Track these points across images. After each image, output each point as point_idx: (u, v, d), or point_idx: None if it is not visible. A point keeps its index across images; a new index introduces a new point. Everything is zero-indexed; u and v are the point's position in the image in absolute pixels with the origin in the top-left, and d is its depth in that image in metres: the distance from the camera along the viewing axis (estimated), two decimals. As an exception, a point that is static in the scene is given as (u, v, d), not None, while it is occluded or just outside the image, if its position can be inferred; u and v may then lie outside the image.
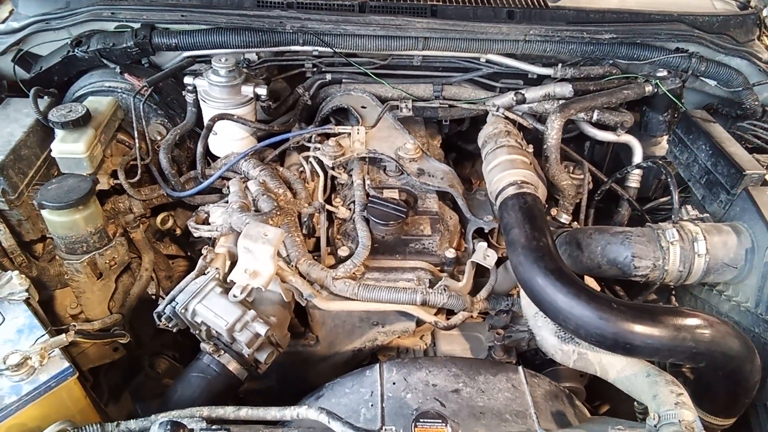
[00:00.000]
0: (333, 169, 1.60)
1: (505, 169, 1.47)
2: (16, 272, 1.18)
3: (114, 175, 1.61)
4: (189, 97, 1.70)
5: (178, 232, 1.64)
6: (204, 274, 1.34)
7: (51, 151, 1.49)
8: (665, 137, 1.89)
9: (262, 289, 1.26)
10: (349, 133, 1.66)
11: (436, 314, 1.47)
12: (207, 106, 1.68)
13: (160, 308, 1.30)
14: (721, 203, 1.53)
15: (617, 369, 1.23)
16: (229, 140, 1.70)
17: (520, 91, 1.81)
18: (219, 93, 1.64)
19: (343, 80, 1.91)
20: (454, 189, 1.57)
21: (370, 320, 1.51)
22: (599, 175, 1.81)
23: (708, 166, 1.60)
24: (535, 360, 1.55)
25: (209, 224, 1.50)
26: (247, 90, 1.66)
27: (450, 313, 1.51)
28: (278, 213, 1.40)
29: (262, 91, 1.66)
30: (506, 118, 1.73)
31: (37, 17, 1.72)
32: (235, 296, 1.23)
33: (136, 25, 1.74)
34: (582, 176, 1.75)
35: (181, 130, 1.68)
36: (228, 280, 1.27)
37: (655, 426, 1.05)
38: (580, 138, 1.95)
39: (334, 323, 1.52)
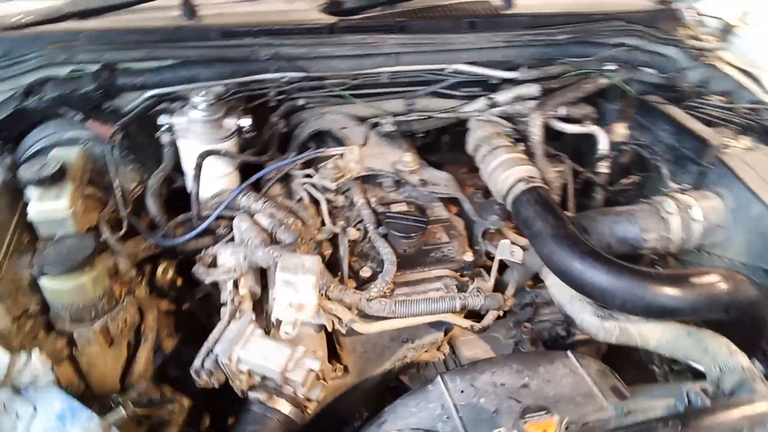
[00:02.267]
0: (336, 192, 1.57)
1: (509, 168, 1.52)
2: (36, 350, 1.03)
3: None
4: (165, 137, 1.59)
5: (179, 282, 1.52)
6: (235, 318, 1.25)
7: (26, 214, 1.33)
8: (621, 125, 2.03)
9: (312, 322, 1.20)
10: (342, 154, 1.64)
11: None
12: (187, 144, 1.58)
13: (197, 364, 1.20)
14: (692, 175, 1.68)
15: (657, 336, 1.30)
16: (215, 177, 1.62)
17: (491, 96, 1.88)
18: (201, 128, 1.56)
19: (314, 104, 1.88)
20: (460, 194, 1.59)
21: (400, 338, 1.48)
22: (576, 167, 1.92)
23: (673, 143, 1.75)
24: (555, 347, 1.61)
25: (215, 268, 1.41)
26: (230, 123, 1.59)
27: (471, 315, 1.52)
28: (302, 242, 1.34)
29: (247, 122, 1.60)
30: (490, 120, 1.79)
31: (-26, 69, 1.55)
32: (287, 333, 1.16)
33: (94, 67, 1.61)
34: (561, 169, 1.85)
35: (164, 173, 1.57)
36: (274, 320, 1.20)
37: (718, 378, 1.12)
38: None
39: (364, 348, 1.48)
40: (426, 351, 1.56)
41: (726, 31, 2.10)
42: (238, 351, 1.17)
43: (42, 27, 1.65)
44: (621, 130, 1.99)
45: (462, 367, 1.32)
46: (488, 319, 1.46)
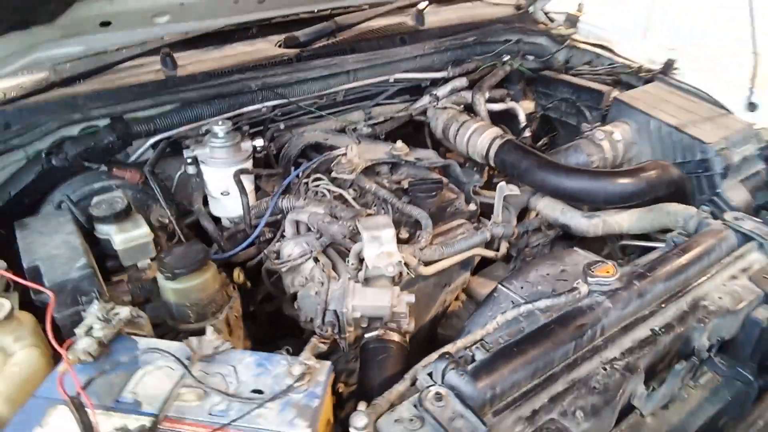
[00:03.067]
0: (351, 185, 1.83)
1: (483, 132, 1.94)
2: (209, 328, 1.18)
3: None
4: (190, 169, 1.76)
5: (248, 285, 1.67)
6: (333, 280, 1.48)
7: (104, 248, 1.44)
8: (527, 100, 2.57)
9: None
10: (345, 153, 1.92)
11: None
12: (213, 170, 1.76)
13: (317, 323, 1.40)
14: (594, 118, 2.24)
15: (629, 219, 1.77)
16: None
17: (433, 92, 2.30)
18: (225, 153, 1.75)
19: (292, 126, 2.14)
20: (451, 161, 1.96)
21: (441, 283, 1.79)
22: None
23: (573, 99, 2.31)
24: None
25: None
26: (247, 145, 1.80)
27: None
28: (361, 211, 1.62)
29: (259, 142, 1.82)
30: (445, 107, 2.20)
31: (-11, 143, 1.59)
32: (393, 274, 1.42)
33: (105, 121, 1.74)
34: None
35: (201, 197, 1.73)
36: (371, 266, 1.45)
37: (686, 227, 1.60)
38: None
39: (417, 297, 1.75)
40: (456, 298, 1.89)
41: (572, 20, 2.77)
42: (351, 301, 1.40)
43: (31, 98, 1.74)
44: (528, 104, 2.53)
45: (512, 272, 1.66)
46: (503, 247, 1.83)
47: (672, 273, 1.38)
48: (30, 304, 1.28)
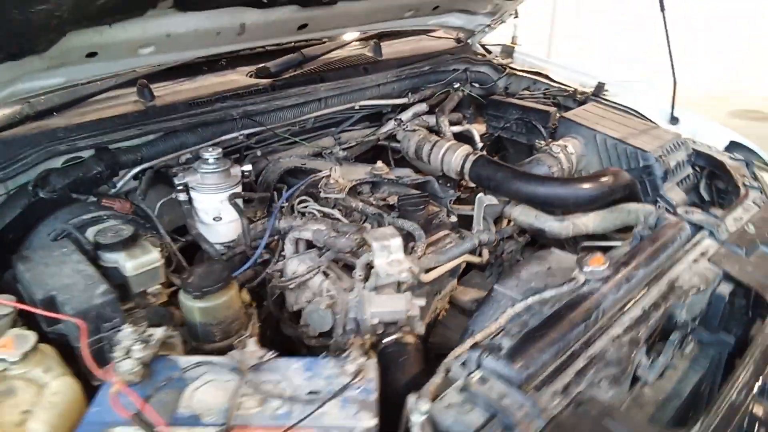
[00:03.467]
0: (335, 205, 1.90)
1: (456, 150, 2.09)
2: (251, 339, 1.20)
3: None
4: (182, 196, 1.75)
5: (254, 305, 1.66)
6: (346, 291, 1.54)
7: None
8: (478, 123, 2.77)
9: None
10: (329, 175, 1.99)
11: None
12: (205, 196, 1.77)
13: (338, 332, 1.45)
14: (542, 136, 2.47)
15: (594, 221, 1.97)
16: (237, 221, 1.82)
17: (397, 117, 2.44)
18: (216, 179, 1.77)
19: (267, 152, 2.19)
20: (430, 177, 2.09)
21: (433, 291, 1.88)
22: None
23: (523, 120, 2.54)
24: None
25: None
26: (236, 171, 1.83)
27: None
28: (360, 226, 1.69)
29: (247, 167, 1.86)
30: (414, 130, 2.33)
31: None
32: (408, 279, 1.50)
33: (89, 152, 1.70)
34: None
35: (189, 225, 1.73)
36: (384, 274, 1.52)
37: (647, 223, 1.81)
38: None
39: (411, 307, 1.83)
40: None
41: (507, 51, 3.05)
42: (370, 309, 1.46)
43: (7, 132, 1.69)
44: (480, 126, 2.73)
45: (504, 273, 1.78)
46: (485, 253, 1.96)
47: (648, 260, 1.57)
48: (43, 336, 1.23)
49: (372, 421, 1.06)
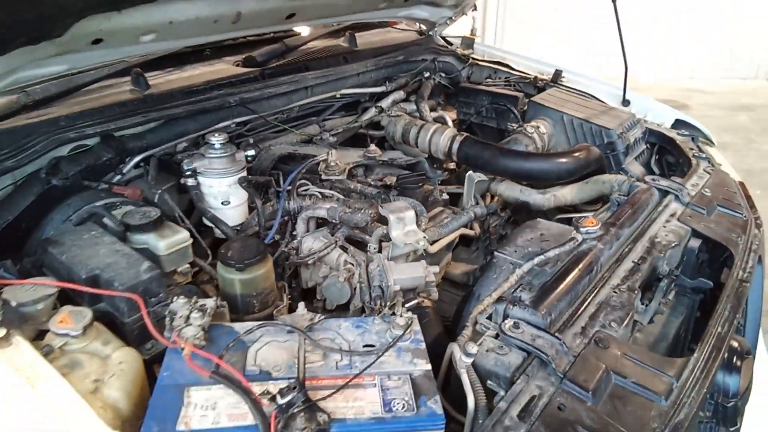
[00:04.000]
0: (332, 186, 1.98)
1: (442, 132, 2.22)
2: (301, 304, 1.27)
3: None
4: (190, 182, 1.78)
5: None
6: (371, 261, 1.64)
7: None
8: (449, 110, 2.91)
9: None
10: (326, 158, 2.07)
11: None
12: (213, 180, 1.80)
13: (366, 297, 1.54)
14: (515, 118, 2.65)
15: (572, 193, 2.16)
16: (245, 204, 1.87)
17: (378, 104, 2.54)
18: (223, 163, 1.80)
19: (256, 140, 2.23)
20: (421, 158, 2.20)
21: (433, 264, 2.00)
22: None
23: (492, 105, 2.71)
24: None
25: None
26: (240, 155, 1.88)
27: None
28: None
29: (251, 152, 1.91)
30: (398, 115, 2.44)
31: (-20, 167, 1.49)
32: (426, 252, 1.61)
33: (94, 140, 1.70)
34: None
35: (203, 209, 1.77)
36: (402, 244, 1.62)
37: (621, 190, 2.02)
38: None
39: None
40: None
41: (467, 43, 3.22)
42: (392, 277, 1.57)
43: (7, 121, 1.66)
44: (452, 113, 2.88)
45: (501, 241, 1.93)
46: (476, 227, 2.10)
47: (630, 220, 1.76)
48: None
49: (427, 365, 1.17)
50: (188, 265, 1.51)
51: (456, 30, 3.29)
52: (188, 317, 1.18)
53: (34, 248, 1.45)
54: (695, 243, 1.81)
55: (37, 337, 1.19)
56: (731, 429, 1.55)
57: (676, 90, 8.25)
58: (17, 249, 1.52)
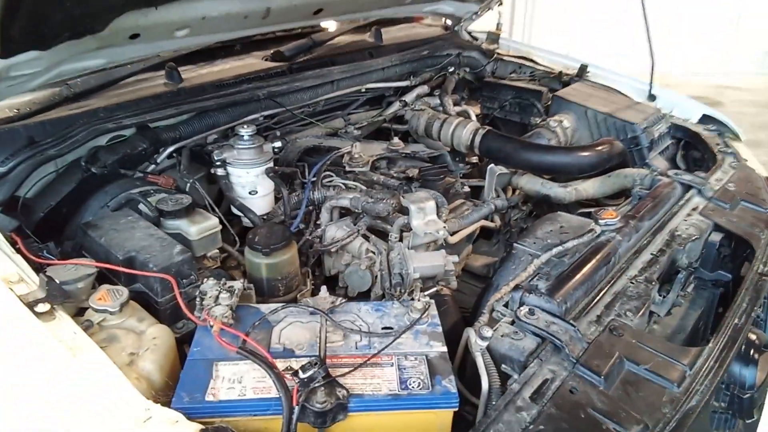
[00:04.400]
0: (358, 177, 2.03)
1: (465, 126, 2.25)
2: (323, 288, 1.33)
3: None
4: (220, 172, 1.86)
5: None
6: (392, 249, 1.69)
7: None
8: (473, 104, 2.94)
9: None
10: (350, 151, 2.12)
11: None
12: (241, 170, 1.87)
13: (386, 284, 1.59)
14: (538, 113, 2.66)
15: (594, 186, 2.17)
16: (271, 194, 1.93)
17: (402, 99, 2.59)
18: (252, 154, 1.87)
19: (283, 132, 2.30)
20: (443, 150, 2.24)
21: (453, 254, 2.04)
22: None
23: (515, 100, 2.73)
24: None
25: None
26: (268, 147, 1.94)
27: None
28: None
29: (278, 144, 1.97)
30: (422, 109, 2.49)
31: (27, 154, 1.58)
32: (446, 242, 1.65)
33: (131, 131, 1.79)
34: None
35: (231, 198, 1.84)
36: (423, 233, 1.67)
37: (643, 184, 2.02)
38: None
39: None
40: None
41: (493, 38, 3.23)
42: (411, 265, 1.61)
43: (51, 113, 1.76)
44: (475, 108, 2.90)
45: (521, 233, 1.96)
46: (497, 219, 2.13)
47: (651, 213, 1.77)
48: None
49: (443, 347, 1.22)
50: (217, 251, 1.58)
51: (482, 25, 3.32)
52: (217, 297, 1.25)
53: (74, 232, 1.54)
54: (716, 237, 1.81)
55: (78, 313, 1.27)
56: (748, 421, 1.56)
57: (708, 87, 8.08)
58: (59, 232, 1.62)
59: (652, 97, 2.75)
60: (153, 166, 1.85)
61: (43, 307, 1.13)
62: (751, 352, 1.55)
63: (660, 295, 1.59)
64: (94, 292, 1.25)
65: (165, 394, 1.11)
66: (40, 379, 1.02)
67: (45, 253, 1.39)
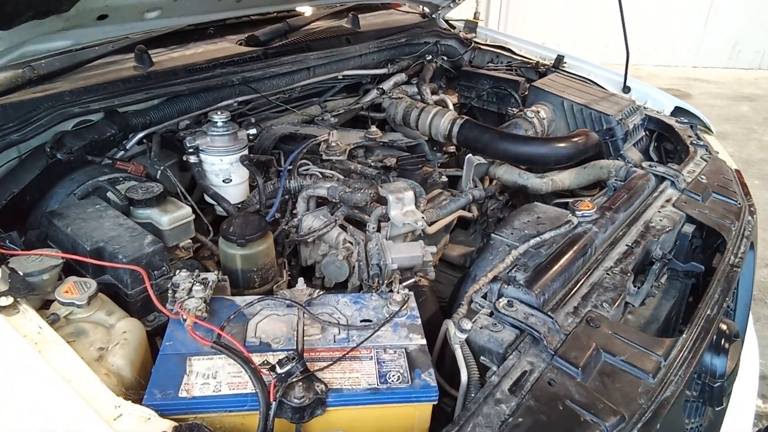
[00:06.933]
0: (335, 166, 2.00)
1: (443, 115, 2.23)
2: (300, 279, 1.30)
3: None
4: (192, 159, 1.80)
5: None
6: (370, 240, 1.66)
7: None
8: (450, 93, 2.92)
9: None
10: (326, 139, 2.09)
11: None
12: (215, 158, 1.82)
13: (364, 275, 1.57)
14: (516, 103, 2.66)
15: (569, 177, 2.18)
16: (245, 183, 1.89)
17: (380, 86, 2.56)
18: (225, 141, 1.82)
19: (258, 119, 2.25)
20: (421, 139, 2.22)
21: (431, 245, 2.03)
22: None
23: (493, 90, 2.72)
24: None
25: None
26: (243, 134, 1.89)
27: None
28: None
29: (252, 131, 1.92)
30: (399, 97, 2.46)
31: (-14, 139, 1.51)
32: (424, 232, 1.64)
33: (98, 116, 1.72)
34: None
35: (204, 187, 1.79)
36: (401, 223, 1.65)
37: (618, 176, 2.04)
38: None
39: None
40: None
41: (470, 26, 3.22)
42: (389, 256, 1.60)
43: (14, 95, 1.68)
44: (453, 97, 2.89)
45: (498, 223, 1.96)
46: (474, 210, 2.13)
47: (626, 205, 1.79)
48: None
49: (422, 340, 1.21)
50: (190, 241, 1.54)
51: (460, 13, 3.29)
52: (190, 290, 1.21)
53: (38, 221, 1.48)
54: (689, 228, 1.83)
55: (43, 306, 1.22)
56: (717, 408, 1.60)
57: (678, 78, 8.24)
58: (22, 221, 1.55)
59: (626, 89, 2.77)
60: (122, 152, 1.79)
61: (5, 301, 1.09)
62: (722, 341, 1.58)
63: (635, 286, 1.60)
64: (60, 285, 1.20)
65: (136, 390, 1.08)
66: (3, 376, 0.97)
67: (7, 243, 1.33)
